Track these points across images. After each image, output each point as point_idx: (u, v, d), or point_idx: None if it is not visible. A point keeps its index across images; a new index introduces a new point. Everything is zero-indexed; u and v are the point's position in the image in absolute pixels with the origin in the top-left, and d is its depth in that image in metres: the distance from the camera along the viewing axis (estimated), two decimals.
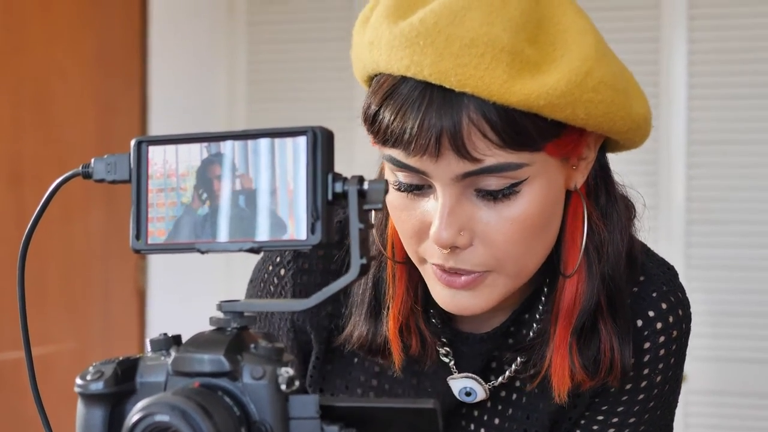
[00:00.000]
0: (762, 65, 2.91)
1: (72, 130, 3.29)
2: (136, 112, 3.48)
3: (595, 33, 0.92)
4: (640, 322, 1.04)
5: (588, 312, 0.99)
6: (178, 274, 3.43)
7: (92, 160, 0.70)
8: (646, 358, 1.05)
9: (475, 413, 1.09)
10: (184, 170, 0.66)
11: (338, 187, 0.63)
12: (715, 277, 2.92)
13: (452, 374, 1.07)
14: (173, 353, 0.65)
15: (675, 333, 1.06)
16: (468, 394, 1.06)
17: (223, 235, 0.65)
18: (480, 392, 1.06)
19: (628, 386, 1.06)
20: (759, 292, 2.91)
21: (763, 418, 2.92)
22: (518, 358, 1.05)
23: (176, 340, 0.67)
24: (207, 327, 0.66)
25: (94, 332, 3.43)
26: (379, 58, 0.91)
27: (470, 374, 1.06)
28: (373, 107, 0.92)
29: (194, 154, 0.66)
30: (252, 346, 0.64)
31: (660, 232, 2.90)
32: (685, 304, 1.07)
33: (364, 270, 0.63)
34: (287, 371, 0.62)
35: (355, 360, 1.11)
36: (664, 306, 1.05)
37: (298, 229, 0.63)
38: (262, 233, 0.64)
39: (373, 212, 1.02)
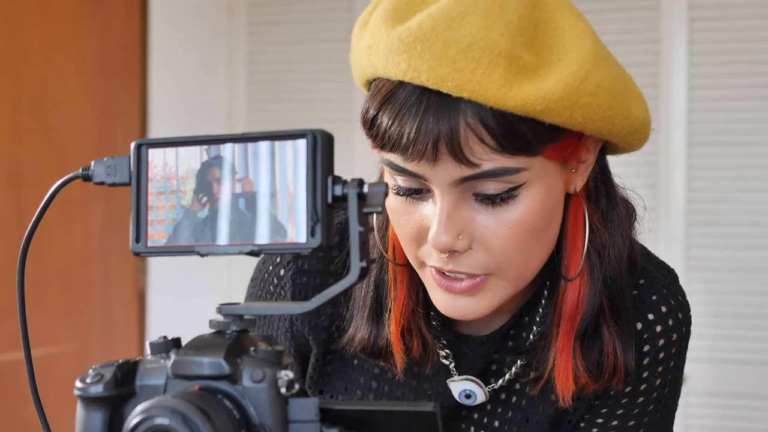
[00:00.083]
0: (762, 67, 2.91)
1: (72, 132, 3.29)
2: (136, 114, 3.48)
3: (593, 37, 0.92)
4: (639, 325, 1.04)
5: (591, 315, 1.00)
6: (177, 275, 3.44)
7: (92, 163, 0.70)
8: (646, 361, 1.05)
9: (475, 416, 1.09)
10: (184, 173, 0.66)
11: (338, 190, 0.63)
12: (715, 279, 2.92)
13: (452, 376, 1.07)
14: (173, 356, 0.65)
15: (675, 336, 1.05)
16: (468, 396, 1.06)
17: (223, 238, 0.65)
18: (480, 395, 1.06)
19: (628, 389, 1.06)
20: (759, 293, 2.91)
21: (763, 419, 2.92)
22: (518, 361, 1.05)
23: (176, 343, 0.67)
24: (207, 328, 0.66)
25: (93, 333, 3.43)
26: (377, 63, 0.91)
27: (470, 377, 1.06)
28: (372, 111, 0.92)
29: (194, 157, 0.66)
30: (252, 349, 0.64)
31: (660, 233, 2.90)
32: (684, 307, 1.07)
33: (363, 273, 0.63)
34: (287, 374, 0.62)
35: (355, 362, 1.11)
36: (663, 309, 1.05)
37: (297, 232, 0.63)
38: (262, 236, 0.64)
39: (374, 215, 1.02)
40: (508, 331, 1.06)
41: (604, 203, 1.02)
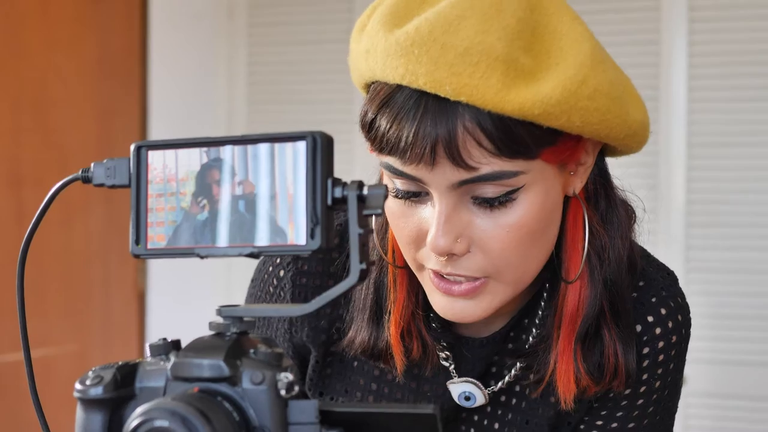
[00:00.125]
0: (762, 68, 2.91)
1: (72, 134, 3.29)
2: (136, 115, 3.48)
3: (592, 40, 0.92)
4: (639, 327, 1.04)
5: (592, 318, 0.99)
6: (177, 276, 3.44)
7: (92, 165, 0.70)
8: (646, 363, 1.05)
9: (475, 418, 1.09)
10: (183, 175, 0.66)
11: (338, 192, 0.63)
12: (715, 280, 2.92)
13: (452, 378, 1.07)
14: (172, 358, 0.65)
15: (674, 338, 1.05)
16: (467, 398, 1.06)
17: (222, 240, 0.65)
18: (479, 397, 1.06)
19: (628, 391, 1.06)
20: (759, 294, 2.91)
21: (762, 420, 2.92)
22: (518, 363, 1.05)
23: (175, 345, 0.67)
24: (206, 330, 0.66)
25: (93, 334, 3.43)
26: (375, 67, 0.91)
27: (470, 379, 1.06)
28: (370, 115, 0.92)
29: (194, 159, 0.66)
30: (251, 351, 0.64)
31: (660, 234, 2.90)
32: (684, 309, 1.07)
33: (363, 275, 0.63)
34: (287, 376, 0.62)
35: (355, 364, 1.11)
36: (663, 311, 1.05)
37: (297, 234, 0.63)
38: (262, 238, 0.64)
39: (373, 217, 1.02)
40: (508, 333, 1.06)
41: (604, 205, 1.02)
